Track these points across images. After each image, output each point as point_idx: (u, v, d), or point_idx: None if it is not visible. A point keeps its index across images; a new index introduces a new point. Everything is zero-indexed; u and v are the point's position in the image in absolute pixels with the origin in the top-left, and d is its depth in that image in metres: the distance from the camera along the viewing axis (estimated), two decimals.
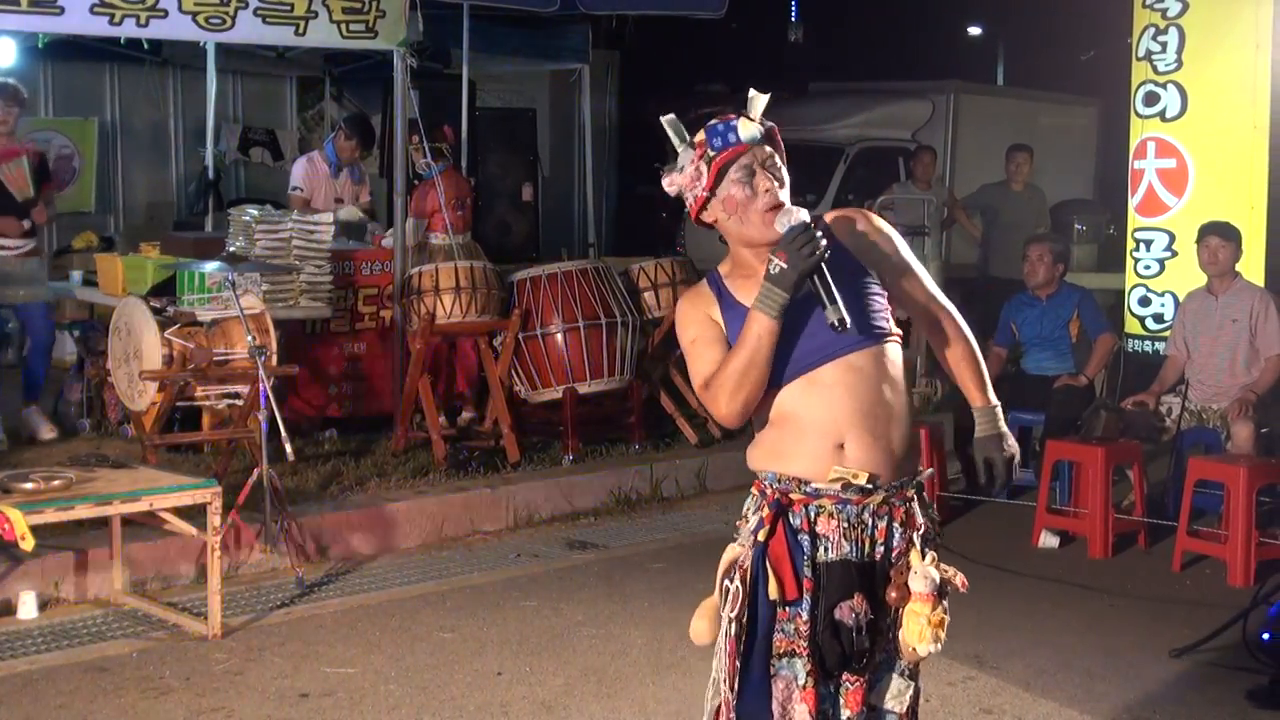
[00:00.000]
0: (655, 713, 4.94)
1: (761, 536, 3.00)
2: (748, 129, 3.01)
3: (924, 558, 3.05)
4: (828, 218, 3.12)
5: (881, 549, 3.04)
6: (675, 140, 3.06)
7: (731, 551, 3.05)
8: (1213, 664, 5.42)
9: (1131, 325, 8.52)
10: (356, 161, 9.50)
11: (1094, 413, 7.48)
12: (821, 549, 3.01)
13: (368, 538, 6.89)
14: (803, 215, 2.96)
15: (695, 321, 3.10)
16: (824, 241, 2.89)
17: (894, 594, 3.03)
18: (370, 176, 13.23)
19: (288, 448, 6.28)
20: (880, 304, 3.06)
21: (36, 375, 8.10)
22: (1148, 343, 8.40)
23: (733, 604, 2.99)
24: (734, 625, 2.99)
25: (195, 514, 5.75)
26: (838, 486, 3.00)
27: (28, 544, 5.03)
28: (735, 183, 3.01)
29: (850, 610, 2.99)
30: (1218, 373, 7.42)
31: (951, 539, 7.22)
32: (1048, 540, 7.22)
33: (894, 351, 3.07)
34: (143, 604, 5.89)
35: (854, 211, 3.18)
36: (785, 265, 2.90)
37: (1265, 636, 5.24)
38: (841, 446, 2.99)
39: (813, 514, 3.01)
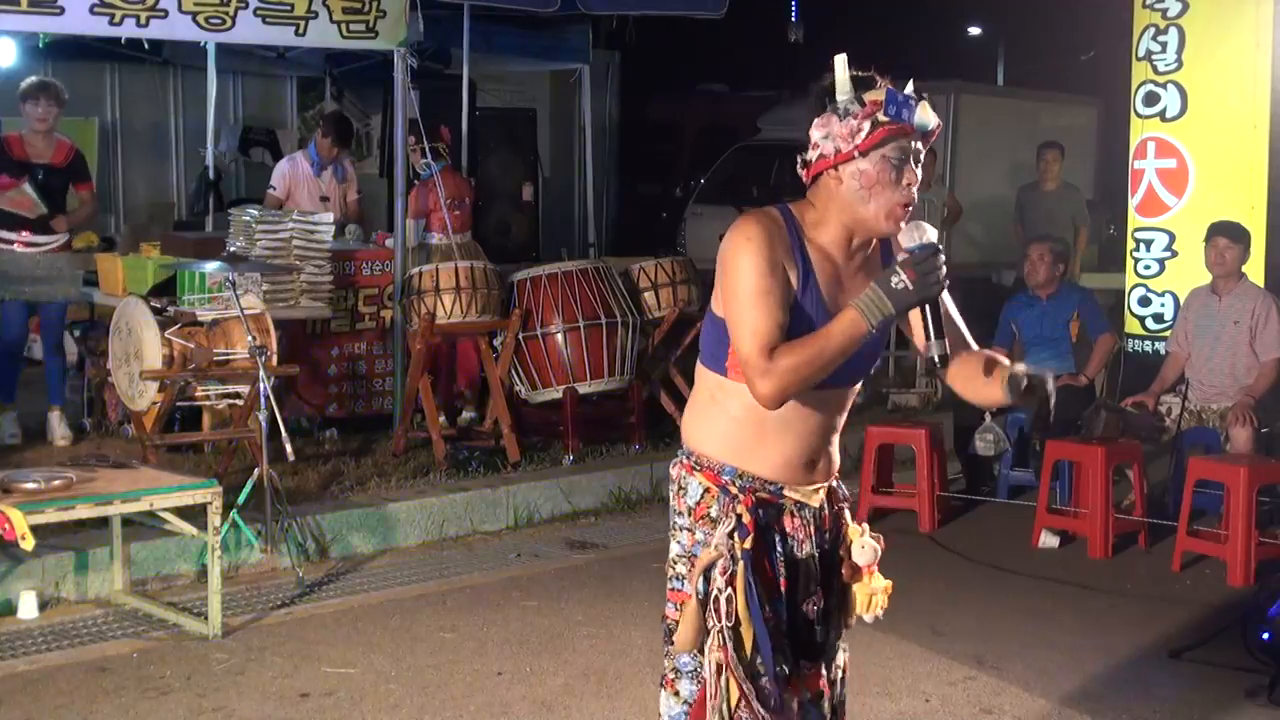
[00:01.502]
0: (655, 712, 4.89)
1: (748, 544, 2.93)
2: (925, 115, 2.85)
3: (861, 532, 3.09)
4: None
5: (828, 535, 3.07)
6: (842, 83, 2.85)
7: (706, 555, 2.93)
8: (1212, 663, 5.41)
9: (1131, 325, 8.52)
10: (339, 159, 9.47)
11: (1094, 413, 7.48)
12: (791, 547, 3.00)
13: (368, 537, 6.89)
14: (931, 234, 2.81)
15: (771, 266, 2.83)
16: (945, 270, 2.77)
17: (846, 571, 3.07)
18: (370, 177, 13.29)
19: (288, 448, 6.28)
20: None
21: (56, 375, 8.08)
22: (1148, 343, 8.40)
23: (728, 613, 2.91)
24: (728, 633, 2.90)
25: (195, 514, 5.75)
26: (814, 502, 3.03)
27: (28, 544, 5.03)
28: (886, 160, 2.83)
29: (813, 605, 3.02)
30: (1217, 374, 7.42)
31: (951, 539, 7.24)
32: (1048, 540, 7.22)
33: None
34: (143, 604, 5.89)
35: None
36: (910, 286, 2.73)
37: (1264, 636, 5.24)
38: (813, 461, 3.00)
39: (774, 512, 2.99)
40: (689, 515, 2.99)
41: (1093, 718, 4.97)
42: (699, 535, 2.97)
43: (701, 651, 2.95)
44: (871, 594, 3.07)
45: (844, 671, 3.17)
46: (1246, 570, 6.53)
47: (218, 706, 4.91)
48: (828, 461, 3.03)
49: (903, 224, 2.84)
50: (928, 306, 2.81)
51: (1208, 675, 5.35)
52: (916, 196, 2.89)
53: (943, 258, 2.77)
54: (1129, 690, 5.23)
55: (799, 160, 2.94)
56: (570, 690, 5.11)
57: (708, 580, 2.93)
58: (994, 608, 6.17)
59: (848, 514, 3.13)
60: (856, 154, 2.83)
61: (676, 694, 3.04)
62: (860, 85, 2.86)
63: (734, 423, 2.96)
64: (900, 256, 2.81)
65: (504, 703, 4.98)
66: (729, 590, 2.91)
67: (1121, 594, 6.45)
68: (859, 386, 3.10)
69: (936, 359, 2.84)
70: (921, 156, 2.90)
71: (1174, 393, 7.55)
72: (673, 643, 3.00)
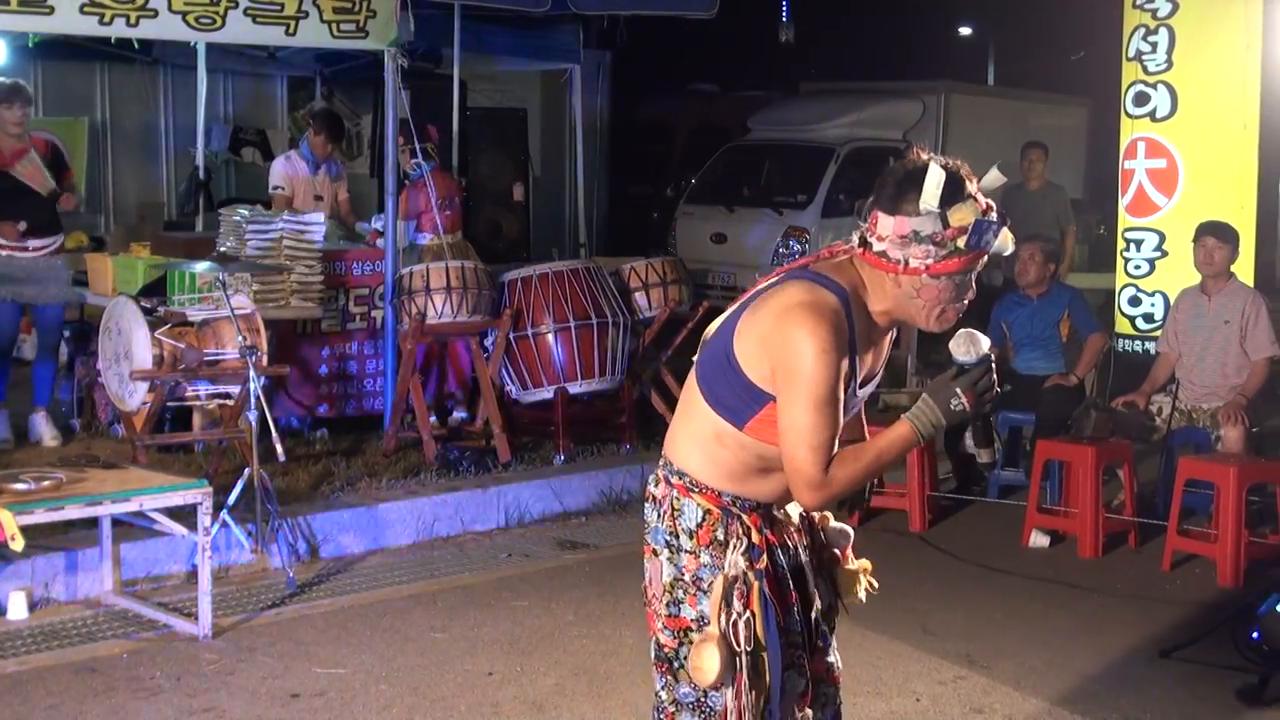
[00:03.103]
0: (646, 712, 4.90)
1: (761, 565, 2.90)
2: (1005, 242, 2.80)
3: (832, 519, 3.11)
4: None
5: (809, 532, 3.10)
6: (930, 193, 2.76)
7: (723, 581, 2.88)
8: (1203, 663, 5.42)
9: (1122, 325, 8.53)
10: (331, 157, 9.46)
11: (1084, 412, 7.49)
12: (795, 552, 3.02)
13: (359, 537, 6.88)
14: (984, 343, 2.78)
15: (837, 378, 2.77)
16: (995, 380, 2.76)
17: (825, 555, 3.11)
18: (361, 178, 13.26)
19: (279, 448, 6.28)
20: None
21: (46, 378, 8.07)
22: (1138, 342, 8.42)
23: (748, 638, 2.86)
24: (750, 658, 2.86)
25: (186, 514, 5.75)
26: (796, 518, 3.06)
27: (18, 544, 5.02)
28: (952, 281, 2.80)
29: (815, 606, 3.03)
30: (1208, 373, 7.43)
31: (942, 538, 7.24)
32: (1038, 540, 7.23)
33: None
34: (133, 604, 5.88)
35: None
36: (968, 407, 2.74)
37: (1254, 635, 5.25)
38: None
39: (770, 524, 2.99)
40: (690, 538, 2.92)
41: (1083, 717, 4.98)
42: (704, 558, 2.90)
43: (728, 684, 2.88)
44: (852, 576, 3.09)
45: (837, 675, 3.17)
46: (1236, 570, 6.54)
47: (208, 707, 4.90)
48: None
49: (962, 342, 2.81)
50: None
51: (1198, 675, 5.36)
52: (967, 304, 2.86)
53: (993, 366, 2.76)
54: (1119, 689, 5.24)
55: (859, 235, 2.86)
56: (561, 690, 5.11)
57: (729, 607, 2.86)
58: (984, 607, 6.18)
59: None
60: (925, 275, 2.79)
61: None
62: (951, 190, 2.77)
63: (739, 463, 2.92)
64: (954, 371, 2.79)
65: (495, 703, 4.98)
66: (747, 613, 2.86)
67: (1112, 593, 6.46)
68: None
69: (986, 462, 2.89)
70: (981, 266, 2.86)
71: (1164, 392, 7.56)
72: (671, 673, 2.95)
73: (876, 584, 3.14)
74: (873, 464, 2.80)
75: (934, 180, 2.75)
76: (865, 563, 3.13)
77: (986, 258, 2.82)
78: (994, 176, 2.85)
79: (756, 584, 2.87)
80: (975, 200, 2.78)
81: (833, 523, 3.11)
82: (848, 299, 2.83)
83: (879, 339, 2.95)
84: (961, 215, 2.76)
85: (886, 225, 2.79)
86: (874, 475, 2.83)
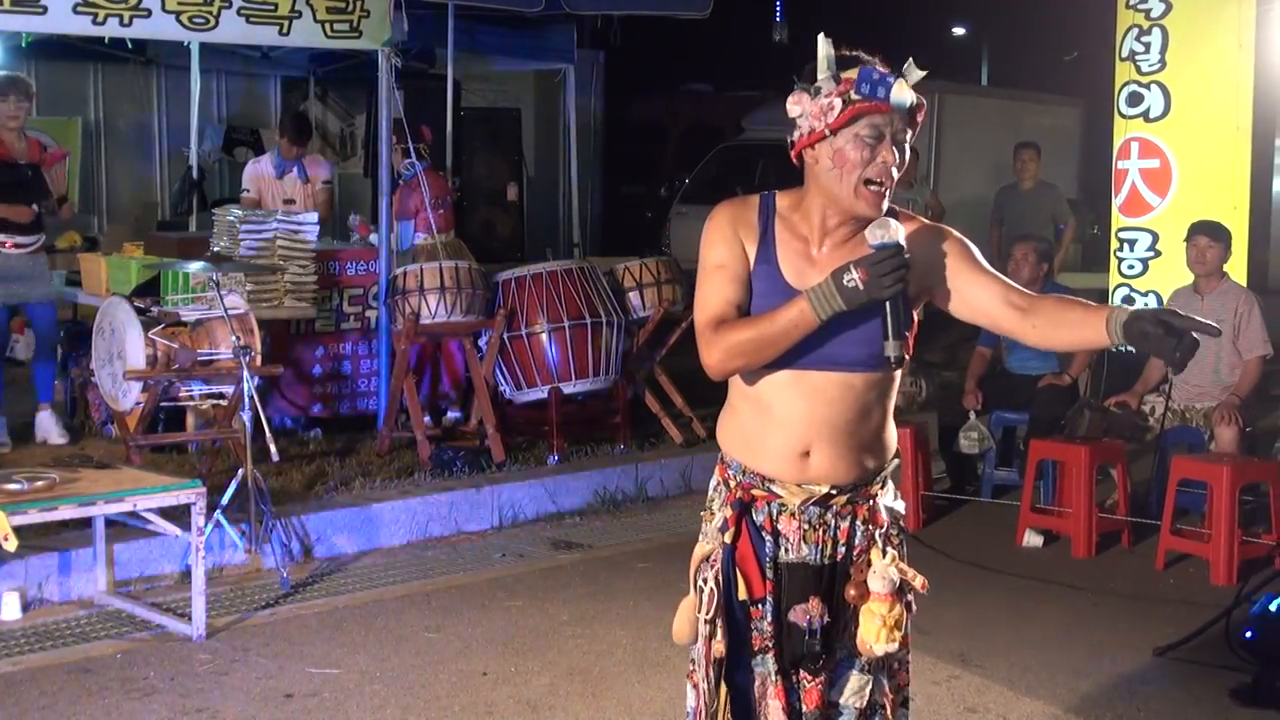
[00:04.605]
0: (641, 712, 4.94)
1: (728, 538, 2.94)
2: (901, 93, 2.79)
3: (884, 556, 2.99)
4: (905, 228, 2.84)
5: (843, 549, 2.98)
6: (822, 63, 2.82)
7: (701, 549, 3.00)
8: (1196, 662, 5.43)
9: None
10: (302, 158, 9.44)
11: (1078, 412, 7.49)
12: (782, 549, 2.95)
13: (352, 538, 6.88)
14: (899, 234, 2.75)
15: (726, 243, 2.90)
16: (907, 272, 2.71)
17: (852, 591, 2.97)
18: (355, 177, 13.26)
19: (272, 448, 6.27)
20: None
21: (46, 376, 8.07)
22: None
23: (708, 606, 2.94)
24: (708, 626, 2.93)
25: (179, 514, 5.74)
26: (799, 500, 2.94)
27: (11, 544, 5.01)
28: (858, 138, 2.79)
29: (804, 613, 2.95)
30: (1201, 373, 7.43)
31: (936, 538, 7.25)
32: (1032, 539, 7.24)
33: (891, 381, 2.97)
34: (127, 604, 5.88)
35: (935, 228, 2.99)
36: (861, 286, 2.69)
37: (1248, 634, 5.25)
38: (806, 454, 2.91)
39: (775, 511, 2.95)
40: (708, 508, 3.06)
41: (1077, 716, 4.99)
42: (705, 527, 3.04)
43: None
44: (881, 626, 2.96)
45: (872, 702, 3.06)
46: (1230, 569, 6.55)
47: (201, 707, 4.90)
48: (830, 460, 2.91)
49: (873, 228, 2.78)
50: (888, 305, 2.75)
51: (1192, 674, 5.37)
52: (894, 175, 2.84)
53: (905, 258, 2.72)
54: (1113, 689, 5.24)
55: (789, 139, 2.92)
56: (555, 690, 5.11)
57: (700, 574, 2.99)
58: (978, 607, 6.18)
59: (879, 536, 3.01)
60: (828, 132, 2.81)
61: (695, 687, 3.05)
62: (844, 65, 2.84)
63: (740, 415, 3.00)
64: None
65: (489, 703, 4.98)
66: (709, 586, 2.95)
67: (1105, 593, 6.47)
68: (872, 380, 2.91)
69: (891, 359, 2.79)
70: (906, 138, 2.86)
71: (1157, 392, 7.57)
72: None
73: (899, 638, 3.01)
74: (762, 331, 2.80)
75: (822, 51, 2.83)
76: (897, 613, 2.99)
77: (890, 117, 2.81)
78: (917, 72, 2.90)
79: (720, 555, 2.96)
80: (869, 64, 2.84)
81: (886, 564, 2.99)
82: (771, 198, 2.96)
83: (824, 248, 2.91)
84: (851, 71, 2.82)
85: (788, 104, 2.90)
86: (765, 345, 2.80)
